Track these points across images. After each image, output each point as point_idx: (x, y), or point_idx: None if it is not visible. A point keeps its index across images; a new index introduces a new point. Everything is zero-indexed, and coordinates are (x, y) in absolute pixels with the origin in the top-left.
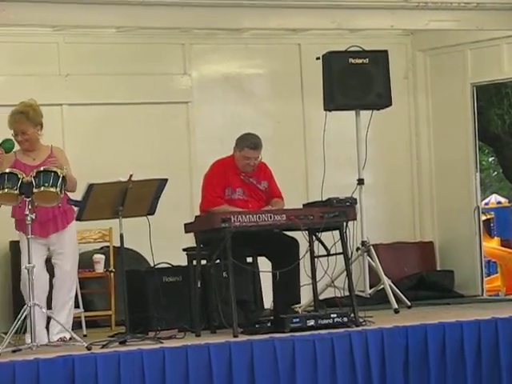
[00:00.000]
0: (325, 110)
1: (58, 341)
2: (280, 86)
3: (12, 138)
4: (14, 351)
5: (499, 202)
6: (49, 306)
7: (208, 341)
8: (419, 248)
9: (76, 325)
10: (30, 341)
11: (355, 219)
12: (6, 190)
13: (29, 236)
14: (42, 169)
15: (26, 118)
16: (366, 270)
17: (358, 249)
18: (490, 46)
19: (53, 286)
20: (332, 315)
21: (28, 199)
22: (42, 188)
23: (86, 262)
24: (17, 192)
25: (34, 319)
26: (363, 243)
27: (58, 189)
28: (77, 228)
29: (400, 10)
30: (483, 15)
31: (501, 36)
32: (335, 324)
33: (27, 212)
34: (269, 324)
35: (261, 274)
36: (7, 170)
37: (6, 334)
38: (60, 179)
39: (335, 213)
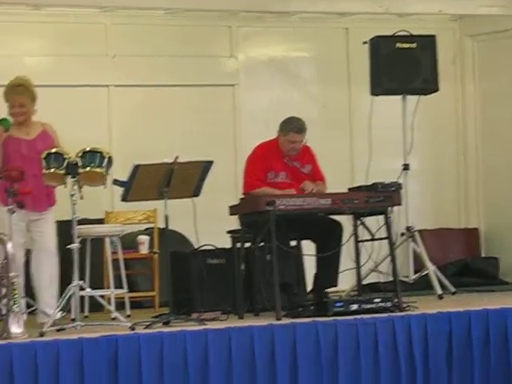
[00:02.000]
0: (371, 94)
1: None
2: (326, 69)
3: (6, 117)
4: (58, 330)
5: None
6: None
7: (251, 323)
8: (464, 234)
9: (119, 305)
10: (74, 320)
11: (400, 204)
12: (53, 170)
13: (75, 216)
14: (88, 149)
15: (26, 90)
16: (411, 255)
17: (402, 234)
18: None
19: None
20: (375, 300)
21: (74, 179)
22: (88, 168)
23: (130, 243)
24: (63, 172)
25: (78, 299)
26: (408, 228)
27: (104, 169)
28: (122, 209)
29: None
30: None
31: None
32: (378, 309)
33: (73, 192)
34: (312, 307)
35: (304, 257)
36: (53, 150)
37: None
38: (106, 160)
39: (380, 197)
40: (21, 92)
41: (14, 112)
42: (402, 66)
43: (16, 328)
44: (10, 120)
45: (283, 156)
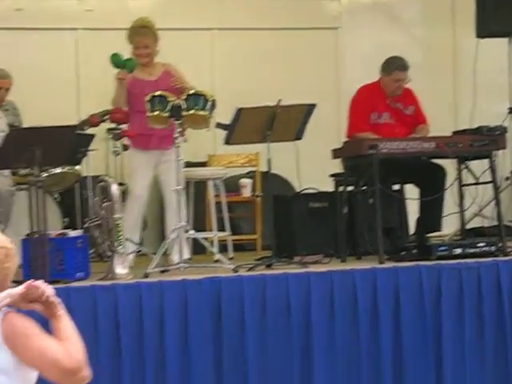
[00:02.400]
0: (477, 37)
1: None
2: (430, 11)
3: (132, 57)
4: (162, 271)
5: None
6: None
7: (353, 267)
8: None
9: (222, 248)
10: (177, 262)
11: (505, 148)
12: (157, 113)
13: (179, 159)
14: (192, 91)
15: (150, 32)
16: None
17: (507, 178)
18: None
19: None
20: (479, 244)
21: (178, 122)
22: (192, 111)
23: (232, 186)
24: (167, 115)
25: (182, 240)
26: None
27: (207, 112)
28: (225, 152)
29: None
30: None
31: None
32: (482, 253)
33: (177, 135)
34: (415, 251)
35: (407, 201)
36: (157, 93)
37: (155, 254)
38: (209, 103)
39: (485, 141)
40: (145, 33)
41: (139, 53)
42: (510, 6)
43: (121, 269)
44: (135, 61)
45: (386, 97)
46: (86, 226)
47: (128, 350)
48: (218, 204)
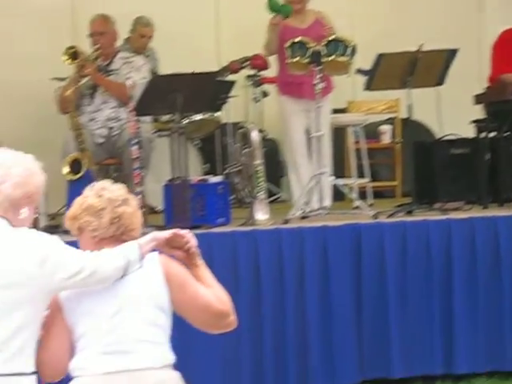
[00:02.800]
0: None
1: None
2: None
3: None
4: (302, 218)
5: None
6: None
7: (495, 213)
8: None
9: (361, 194)
10: (317, 208)
11: None
12: (297, 59)
13: (319, 105)
14: (332, 38)
15: None
16: None
17: None
18: None
19: None
20: None
21: (318, 68)
22: (333, 57)
23: (372, 132)
24: (307, 61)
25: (323, 187)
26: None
27: (348, 58)
28: (364, 98)
29: None
30: None
31: None
32: None
33: (317, 81)
34: None
35: None
36: (297, 39)
37: (295, 200)
38: (349, 48)
39: None
40: None
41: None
42: None
43: (261, 215)
44: (291, 7)
45: None
46: (226, 172)
47: (268, 294)
48: (358, 151)
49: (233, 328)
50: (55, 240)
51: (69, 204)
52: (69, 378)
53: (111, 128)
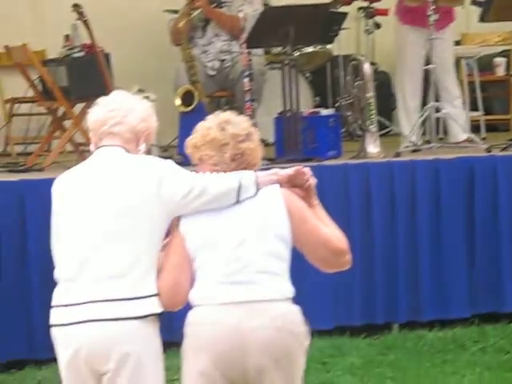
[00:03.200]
0: None
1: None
2: None
3: None
4: (414, 151)
5: None
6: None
7: None
8: None
9: (474, 128)
10: (429, 141)
11: None
12: None
13: (432, 37)
14: None
15: None
16: None
17: None
18: None
19: None
20: None
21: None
22: None
23: (485, 65)
24: None
25: (434, 120)
26: None
27: None
28: (478, 30)
29: None
30: None
31: None
32: None
33: (431, 13)
34: None
35: None
36: None
37: (406, 133)
38: None
39: None
40: None
41: None
42: None
43: (372, 148)
44: None
45: None
46: (337, 104)
47: (379, 227)
48: (471, 83)
49: (347, 267)
50: (169, 163)
51: (181, 136)
52: (188, 308)
53: (223, 60)
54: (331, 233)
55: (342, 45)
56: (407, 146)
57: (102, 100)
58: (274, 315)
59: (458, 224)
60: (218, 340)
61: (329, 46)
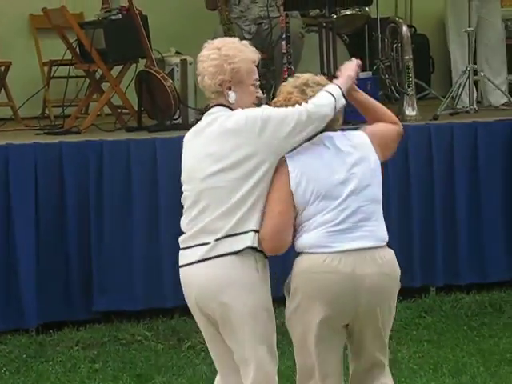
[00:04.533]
0: None
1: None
2: None
3: None
4: (451, 114)
5: None
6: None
7: None
8: None
9: None
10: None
11: None
12: None
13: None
14: None
15: None
16: None
17: None
18: None
19: None
20: None
21: None
22: None
23: None
24: None
25: (472, 83)
26: None
27: None
28: None
29: None
30: None
31: None
32: None
33: None
34: None
35: None
36: None
37: (444, 97)
38: None
39: None
40: None
41: None
42: None
43: (410, 111)
44: None
45: None
46: (375, 67)
47: (417, 189)
48: (510, 46)
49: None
50: (264, 107)
51: None
52: (290, 253)
53: (260, 24)
54: (389, 123)
55: (380, 7)
56: (446, 109)
57: None
58: (381, 263)
59: (496, 187)
60: (334, 287)
61: (367, 9)
